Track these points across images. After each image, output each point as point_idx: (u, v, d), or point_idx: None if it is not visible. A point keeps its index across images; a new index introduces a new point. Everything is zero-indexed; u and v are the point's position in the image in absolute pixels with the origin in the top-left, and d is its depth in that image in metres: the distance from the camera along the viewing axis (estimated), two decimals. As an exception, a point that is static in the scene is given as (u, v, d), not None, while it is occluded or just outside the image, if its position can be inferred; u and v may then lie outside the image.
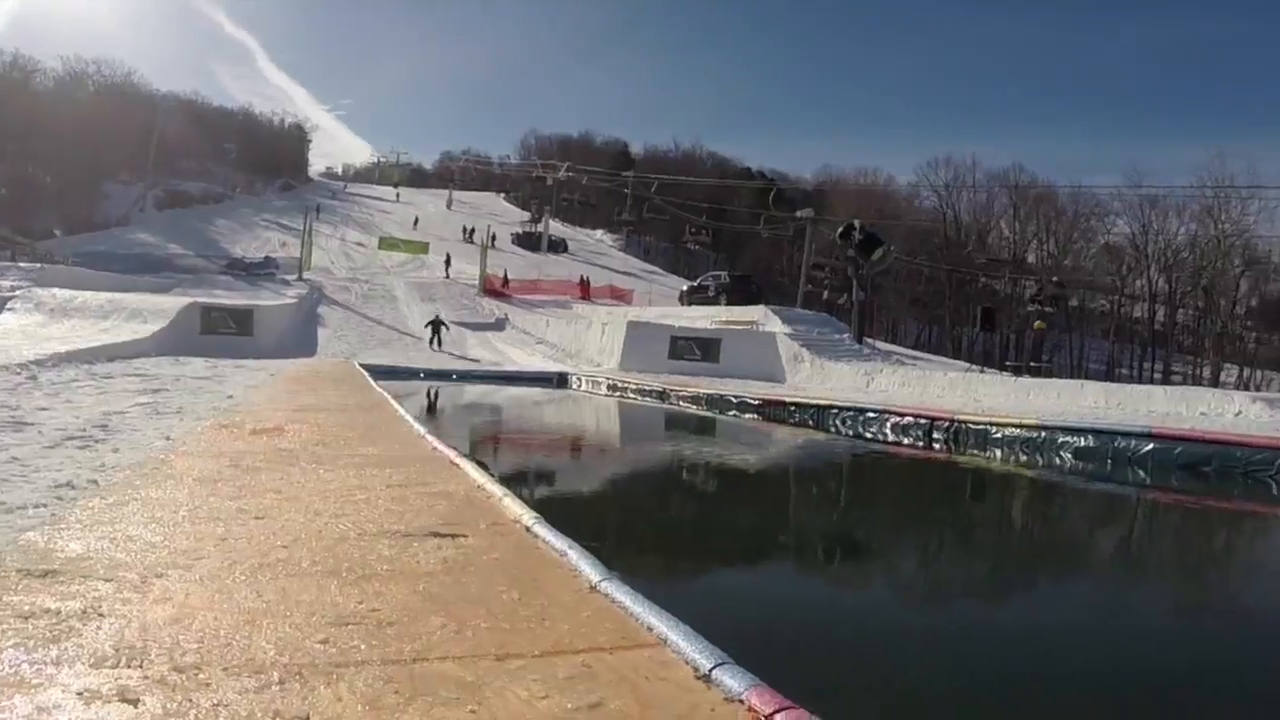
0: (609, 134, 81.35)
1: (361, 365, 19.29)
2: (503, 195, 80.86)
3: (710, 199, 57.20)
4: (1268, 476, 8.79)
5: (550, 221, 61.51)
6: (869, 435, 13.66)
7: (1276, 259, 46.28)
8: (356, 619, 2.41)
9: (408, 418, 8.37)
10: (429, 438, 6.65)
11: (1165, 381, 40.10)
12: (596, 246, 64.88)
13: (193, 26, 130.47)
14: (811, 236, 41.04)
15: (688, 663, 2.17)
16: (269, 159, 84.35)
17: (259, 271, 44.67)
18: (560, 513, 5.62)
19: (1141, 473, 9.74)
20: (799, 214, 43.20)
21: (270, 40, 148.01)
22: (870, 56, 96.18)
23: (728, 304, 33.31)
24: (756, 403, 15.87)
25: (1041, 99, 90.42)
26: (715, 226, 57.37)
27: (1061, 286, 35.89)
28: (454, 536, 3.50)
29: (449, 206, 74.24)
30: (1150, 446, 9.95)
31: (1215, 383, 38.46)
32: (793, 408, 15.14)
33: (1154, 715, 3.21)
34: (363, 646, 2.20)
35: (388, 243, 52.17)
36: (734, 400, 16.41)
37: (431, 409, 15.25)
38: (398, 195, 79.92)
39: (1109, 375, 43.80)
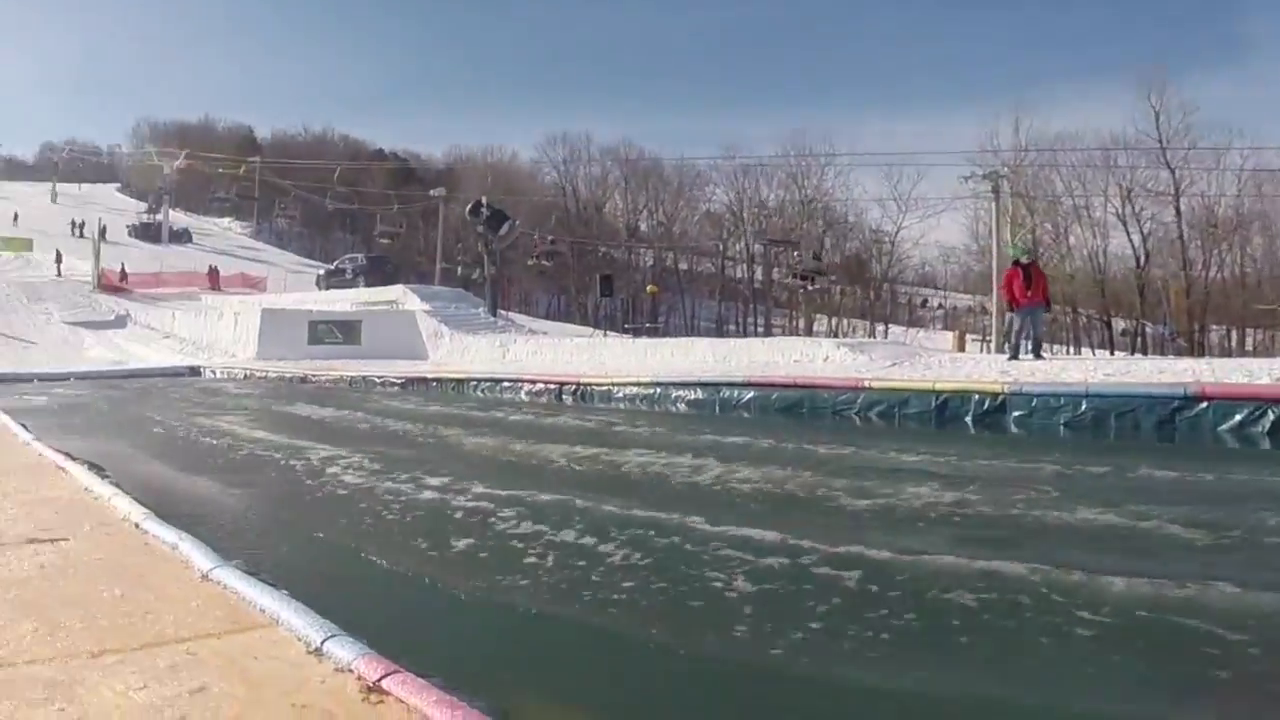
0: (232, 119, 73.93)
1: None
2: (116, 186, 70.87)
3: (345, 182, 55.38)
4: (851, 413, 10.27)
5: (170, 211, 56.72)
6: (507, 399, 14.36)
7: (852, 219, 54.06)
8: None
9: (12, 425, 8.16)
10: (34, 444, 6.58)
11: (768, 334, 44.72)
12: (224, 235, 60.03)
13: None
14: (444, 215, 41.42)
15: (300, 639, 2.33)
16: None
17: None
18: (193, 506, 5.26)
19: (746, 415, 11.11)
20: (431, 193, 43.41)
21: None
22: (489, 37, 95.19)
23: (366, 285, 32.84)
24: (400, 381, 16.14)
25: (640, 77, 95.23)
26: (351, 210, 56.05)
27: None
28: (54, 541, 3.43)
29: (54, 200, 63.73)
30: (751, 394, 11.49)
31: (809, 332, 44.27)
32: (434, 383, 15.72)
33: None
34: (-60, 660, 2.13)
35: (-13, 241, 44.88)
36: (377, 380, 16.47)
37: (50, 413, 12.94)
38: (-10, 190, 66.55)
39: (718, 331, 48.42)
